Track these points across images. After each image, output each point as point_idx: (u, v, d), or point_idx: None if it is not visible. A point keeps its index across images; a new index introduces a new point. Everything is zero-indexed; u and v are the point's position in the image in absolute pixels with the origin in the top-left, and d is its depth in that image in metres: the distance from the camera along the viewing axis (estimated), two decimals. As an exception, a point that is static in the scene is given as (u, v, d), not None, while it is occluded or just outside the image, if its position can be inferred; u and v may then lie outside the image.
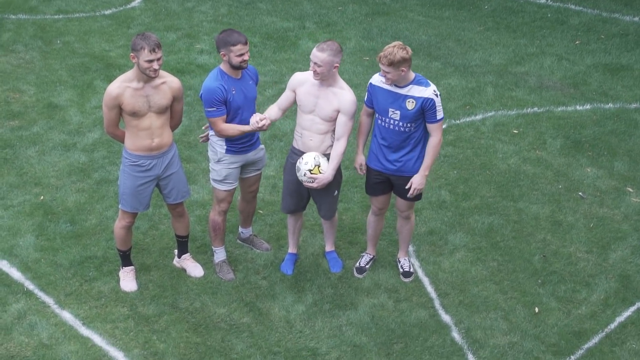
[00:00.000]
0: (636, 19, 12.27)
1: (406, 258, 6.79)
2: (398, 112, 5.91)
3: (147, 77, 5.83)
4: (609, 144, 8.68)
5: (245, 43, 6.01)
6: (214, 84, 6.06)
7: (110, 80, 9.85)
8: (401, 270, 6.72)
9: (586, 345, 6.06)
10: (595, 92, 9.90)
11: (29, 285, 6.47)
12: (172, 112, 6.14)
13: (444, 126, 8.91)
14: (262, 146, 6.57)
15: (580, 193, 7.81)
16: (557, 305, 6.40)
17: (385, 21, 12.12)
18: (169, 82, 5.99)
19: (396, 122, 5.95)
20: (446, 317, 6.28)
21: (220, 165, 6.35)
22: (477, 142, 8.72)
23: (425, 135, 6.08)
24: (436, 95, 5.89)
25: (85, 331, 6.04)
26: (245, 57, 6.05)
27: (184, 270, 6.70)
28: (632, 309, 6.40)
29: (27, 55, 10.61)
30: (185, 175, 6.45)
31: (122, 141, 6.15)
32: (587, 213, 7.53)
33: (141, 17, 12.00)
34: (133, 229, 6.51)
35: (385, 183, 6.30)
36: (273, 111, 6.22)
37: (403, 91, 5.89)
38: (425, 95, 5.85)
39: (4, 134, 8.60)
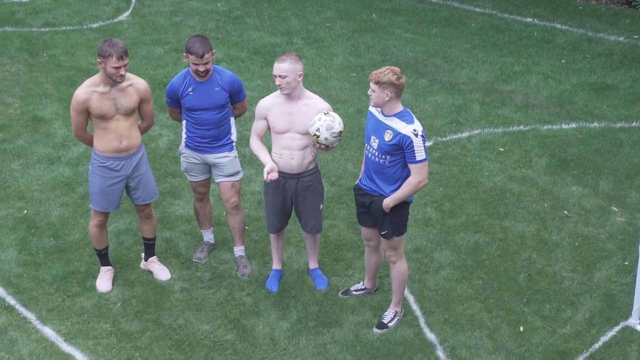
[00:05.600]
0: (621, 38, 12.36)
1: (394, 310, 6.32)
2: (377, 140, 5.74)
3: (113, 81, 5.90)
4: (594, 162, 8.71)
5: (201, 56, 6.13)
6: (174, 80, 6.42)
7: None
8: (380, 319, 6.33)
9: (571, 365, 6.06)
10: (581, 111, 9.94)
11: (10, 301, 6.40)
12: (142, 113, 6.26)
13: (429, 143, 8.99)
14: (229, 154, 6.56)
15: (565, 211, 7.83)
16: (542, 324, 6.39)
17: (372, 38, 12.15)
18: (135, 84, 6.09)
19: (374, 151, 5.78)
20: (431, 336, 6.26)
21: (182, 157, 6.64)
22: (464, 159, 8.73)
23: (402, 177, 5.80)
24: (415, 134, 5.57)
25: (67, 347, 5.98)
26: (200, 68, 6.21)
27: (151, 272, 6.73)
28: (617, 328, 6.39)
29: (12, 67, 10.57)
30: (153, 177, 6.52)
31: (91, 144, 6.23)
32: (572, 232, 7.54)
33: (128, 31, 11.98)
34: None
35: (368, 214, 6.08)
36: (259, 143, 6.24)
37: (386, 120, 5.70)
38: (403, 132, 5.60)
39: (-13, 147, 8.54)
